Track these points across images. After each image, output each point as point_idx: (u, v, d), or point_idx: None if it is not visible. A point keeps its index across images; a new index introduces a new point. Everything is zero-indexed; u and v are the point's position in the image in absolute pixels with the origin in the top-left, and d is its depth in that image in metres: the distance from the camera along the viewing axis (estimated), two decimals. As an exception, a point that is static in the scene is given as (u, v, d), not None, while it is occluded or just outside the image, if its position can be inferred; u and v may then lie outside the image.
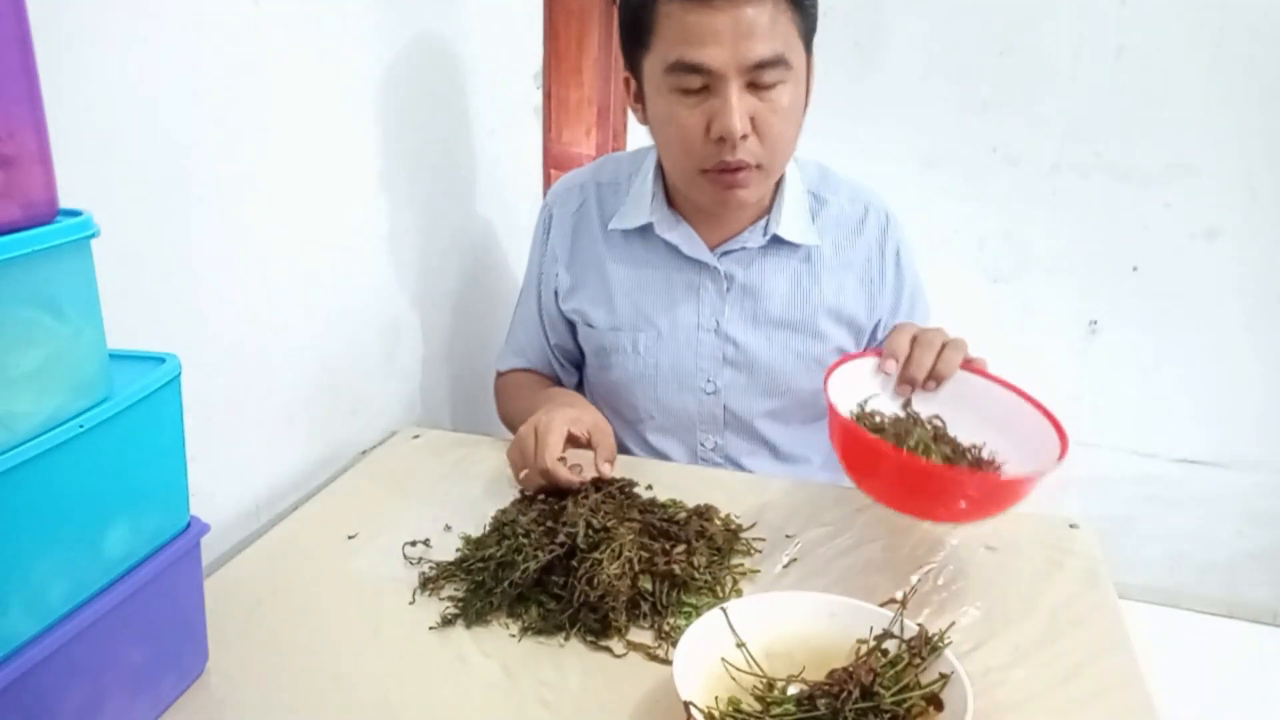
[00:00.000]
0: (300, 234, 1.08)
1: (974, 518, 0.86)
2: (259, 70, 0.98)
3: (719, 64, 0.99)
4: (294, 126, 1.05)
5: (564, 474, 0.99)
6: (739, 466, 1.25)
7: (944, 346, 0.98)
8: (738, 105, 1.01)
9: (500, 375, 1.37)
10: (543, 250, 1.28)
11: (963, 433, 0.90)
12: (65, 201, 0.58)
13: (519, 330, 1.33)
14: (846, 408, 0.90)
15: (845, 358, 0.95)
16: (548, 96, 1.79)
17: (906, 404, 0.93)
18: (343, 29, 1.12)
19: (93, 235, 0.58)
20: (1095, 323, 2.16)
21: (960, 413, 0.92)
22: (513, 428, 1.31)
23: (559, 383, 1.34)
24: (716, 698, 0.69)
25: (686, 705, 0.65)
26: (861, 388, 0.94)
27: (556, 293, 1.27)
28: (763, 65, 1.00)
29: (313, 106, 1.08)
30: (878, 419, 0.91)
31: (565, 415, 1.06)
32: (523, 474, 1.04)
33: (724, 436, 1.24)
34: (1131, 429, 2.19)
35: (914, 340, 0.99)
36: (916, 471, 0.82)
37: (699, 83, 1.02)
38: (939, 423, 0.91)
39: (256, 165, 0.99)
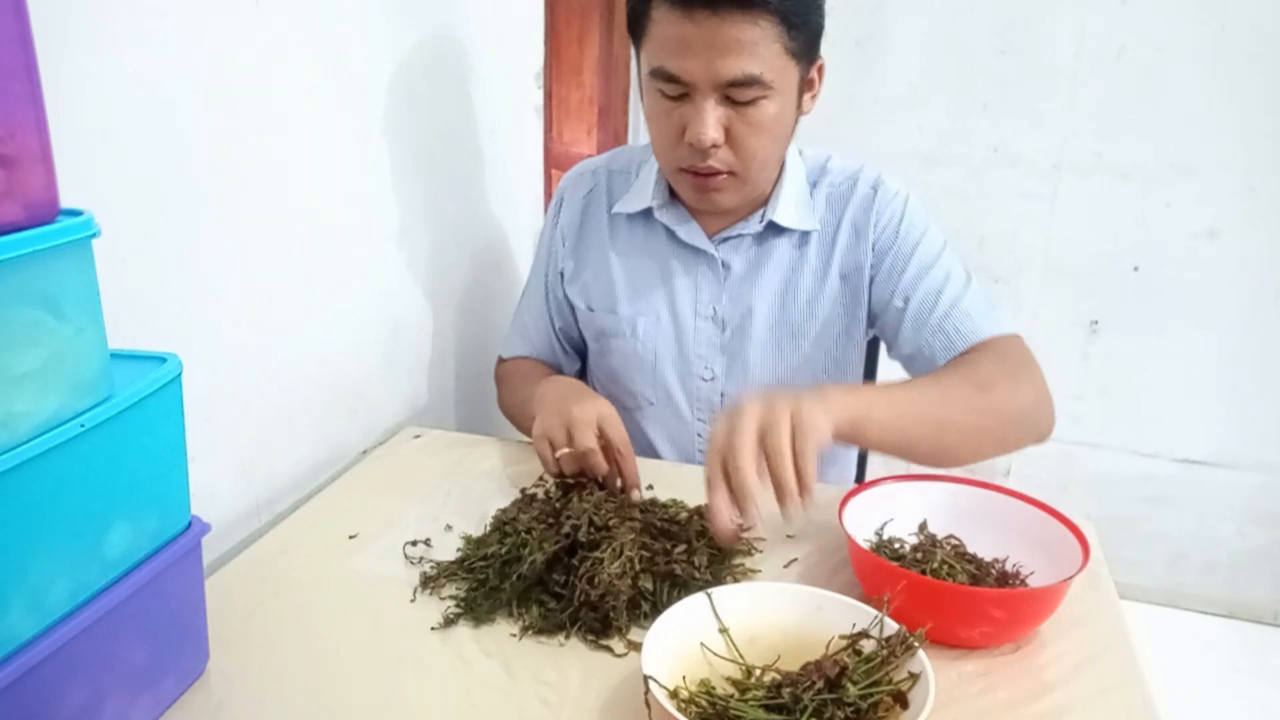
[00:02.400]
0: (301, 234, 1.08)
1: (1009, 635, 0.83)
2: (260, 70, 0.98)
3: (692, 77, 1.01)
4: (294, 126, 1.05)
5: (601, 461, 1.00)
6: None
7: (794, 449, 0.81)
8: (709, 116, 1.02)
9: (502, 362, 1.37)
10: (552, 233, 1.30)
11: (983, 549, 0.90)
12: (66, 201, 0.58)
13: (525, 313, 1.34)
14: (864, 536, 0.90)
15: (857, 488, 0.94)
16: (549, 96, 1.79)
17: (922, 527, 0.93)
18: (343, 29, 1.12)
19: (94, 235, 0.58)
20: (1096, 323, 2.16)
21: (976, 530, 0.91)
22: (511, 416, 1.31)
23: (561, 371, 1.35)
24: (684, 677, 0.69)
25: (646, 679, 0.64)
26: (876, 512, 0.93)
27: (562, 274, 1.29)
28: (737, 83, 1.01)
29: (313, 107, 1.08)
30: (897, 545, 0.90)
31: (595, 409, 1.04)
32: (560, 453, 1.02)
33: None
34: (1132, 429, 2.19)
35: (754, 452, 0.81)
36: (943, 593, 0.80)
37: (676, 90, 1.03)
38: (956, 541, 0.91)
39: (257, 165, 0.99)
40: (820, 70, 1.11)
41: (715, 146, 1.04)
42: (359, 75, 1.17)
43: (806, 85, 1.09)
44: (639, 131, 2.30)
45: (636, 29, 1.06)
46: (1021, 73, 2.06)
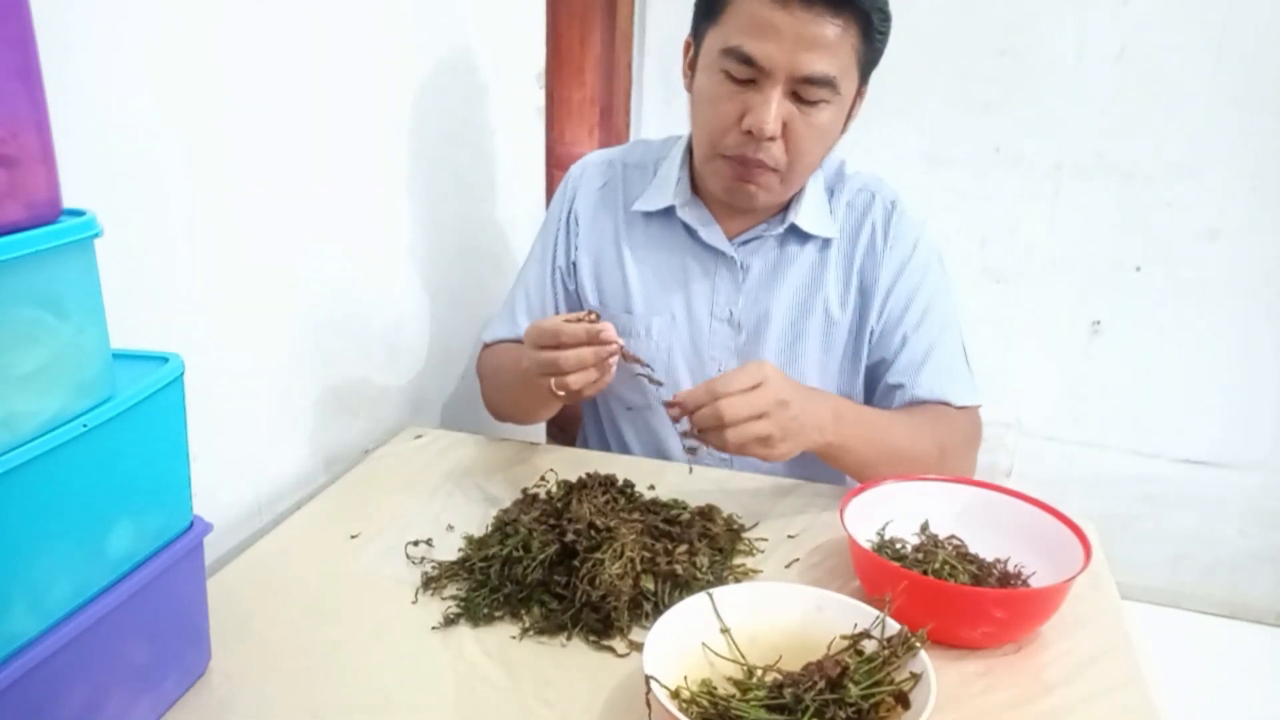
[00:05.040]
0: (303, 234, 1.08)
1: (1011, 635, 0.83)
2: (262, 70, 0.98)
3: (771, 64, 1.01)
4: (297, 127, 1.05)
5: (578, 328, 0.94)
6: (744, 461, 1.25)
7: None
8: (775, 107, 1.02)
9: (487, 347, 1.31)
10: (562, 221, 1.27)
11: (984, 549, 0.90)
12: (68, 201, 0.58)
13: (520, 299, 1.28)
14: (865, 537, 0.90)
15: (860, 487, 0.94)
16: (550, 97, 1.79)
17: (924, 527, 0.93)
18: (346, 30, 1.12)
19: (96, 235, 0.58)
20: (1098, 323, 2.16)
21: (978, 530, 0.92)
22: (495, 407, 1.27)
23: None
24: (686, 677, 0.69)
25: (648, 679, 0.65)
26: (878, 513, 0.93)
27: (575, 266, 1.26)
28: (811, 80, 1.01)
29: (316, 107, 1.08)
30: (898, 546, 0.90)
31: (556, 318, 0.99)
32: (543, 362, 0.96)
33: None
34: (1134, 429, 2.19)
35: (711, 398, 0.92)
36: (945, 593, 0.81)
37: (747, 74, 1.03)
38: (957, 541, 0.91)
39: (260, 166, 1.00)
40: (862, 96, 1.12)
41: (772, 139, 1.04)
42: (361, 76, 1.17)
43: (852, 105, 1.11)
44: (640, 133, 2.29)
45: (714, 6, 1.06)
46: (1022, 72, 2.05)
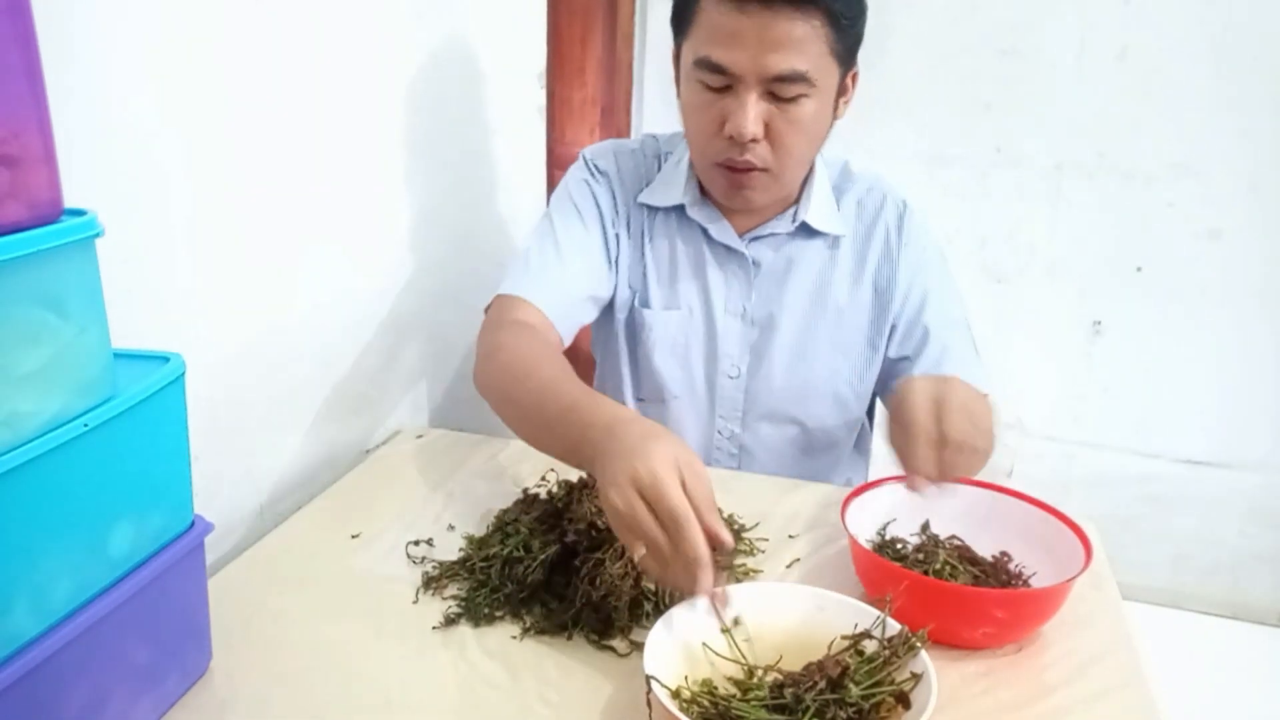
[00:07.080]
0: (304, 233, 1.08)
1: (1012, 636, 0.83)
2: (263, 70, 0.98)
3: (739, 69, 1.01)
4: (298, 127, 1.05)
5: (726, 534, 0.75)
6: (754, 458, 1.25)
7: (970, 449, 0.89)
8: (752, 110, 1.02)
9: (501, 298, 1.12)
10: (611, 187, 1.21)
11: (985, 549, 0.90)
12: (69, 201, 0.58)
13: (552, 263, 1.14)
14: (866, 537, 0.90)
15: (861, 487, 0.94)
16: (551, 97, 1.79)
17: (925, 527, 0.93)
18: (347, 31, 1.12)
19: (97, 235, 0.59)
20: (1099, 323, 2.16)
21: (978, 530, 0.92)
22: (485, 387, 1.03)
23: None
24: (686, 677, 0.69)
25: (649, 679, 0.65)
26: (879, 513, 0.93)
27: (618, 238, 1.21)
28: (783, 79, 1.01)
29: (317, 107, 1.08)
30: (899, 546, 0.90)
31: (671, 457, 0.77)
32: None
33: (743, 424, 1.24)
34: (1135, 429, 2.19)
35: (943, 445, 0.89)
36: (946, 594, 0.81)
37: (720, 82, 1.03)
38: (958, 542, 0.91)
39: (261, 165, 1.00)
40: (854, 79, 1.12)
41: (755, 141, 1.04)
42: (362, 76, 1.17)
43: (841, 90, 1.11)
44: (641, 132, 2.29)
45: (682, 19, 1.07)
46: (1024, 73, 2.05)
